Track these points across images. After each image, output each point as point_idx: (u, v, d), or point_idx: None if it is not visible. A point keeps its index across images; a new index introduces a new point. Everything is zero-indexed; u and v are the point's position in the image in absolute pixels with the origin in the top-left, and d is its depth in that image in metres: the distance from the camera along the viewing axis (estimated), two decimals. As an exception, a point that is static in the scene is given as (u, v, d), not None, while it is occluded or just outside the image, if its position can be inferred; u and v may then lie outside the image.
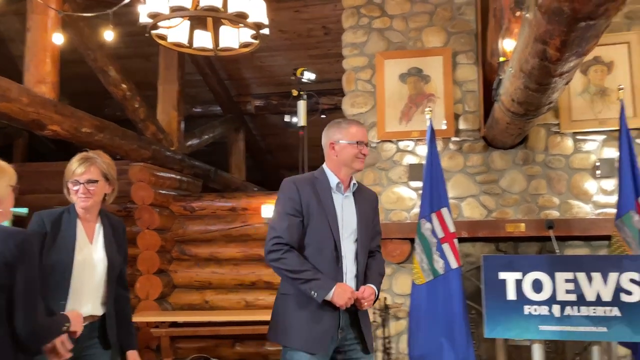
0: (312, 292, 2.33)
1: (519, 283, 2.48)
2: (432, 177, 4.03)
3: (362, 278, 2.49)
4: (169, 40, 3.10)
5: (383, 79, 4.95)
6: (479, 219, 4.61)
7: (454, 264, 3.78)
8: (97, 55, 5.57)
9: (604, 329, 2.39)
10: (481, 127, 4.73)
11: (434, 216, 3.93)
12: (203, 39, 3.11)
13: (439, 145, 4.72)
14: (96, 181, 2.41)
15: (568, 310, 2.42)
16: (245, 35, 3.19)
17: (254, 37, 3.08)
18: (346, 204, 2.55)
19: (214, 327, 5.37)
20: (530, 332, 2.45)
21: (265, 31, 3.01)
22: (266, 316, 2.53)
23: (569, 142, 4.61)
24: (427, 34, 4.96)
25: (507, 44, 3.70)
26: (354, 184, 2.60)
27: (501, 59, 3.85)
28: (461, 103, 4.84)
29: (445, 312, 3.67)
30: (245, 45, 3.18)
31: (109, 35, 3.70)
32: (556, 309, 2.42)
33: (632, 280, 2.42)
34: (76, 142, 5.01)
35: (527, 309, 2.45)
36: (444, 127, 4.76)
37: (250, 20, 2.97)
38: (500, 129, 4.16)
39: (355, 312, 2.43)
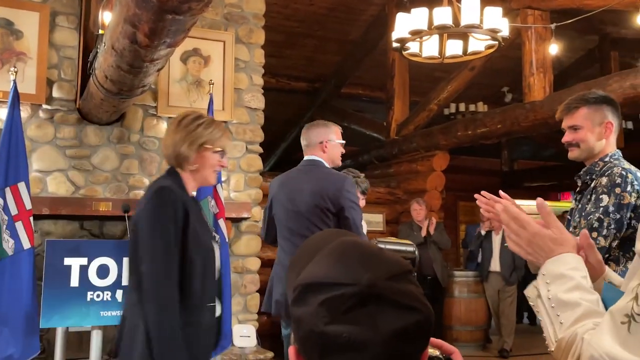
0: None
1: (84, 269, 2.39)
2: (10, 147, 3.58)
3: None
4: None
5: (-39, 22, 4.14)
6: (65, 196, 4.33)
7: (26, 244, 3.43)
8: None
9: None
10: (77, 98, 4.45)
11: (8, 191, 3.49)
12: None
13: (26, 111, 4.24)
14: None
15: (131, 295, 2.47)
16: None
17: None
18: None
19: None
20: (91, 318, 2.40)
21: None
22: None
23: (164, 126, 4.75)
24: (23, -17, 4.38)
25: (107, 17, 3.55)
26: None
27: (100, 31, 3.69)
28: (57, 69, 4.45)
29: (11, 297, 3.30)
30: None
31: None
32: (119, 294, 2.44)
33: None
34: None
35: (90, 295, 2.39)
36: (34, 91, 4.29)
37: None
38: (95, 104, 3.99)
39: None
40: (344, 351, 0.59)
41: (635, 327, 0.78)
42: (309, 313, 0.61)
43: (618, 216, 1.88)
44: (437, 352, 0.77)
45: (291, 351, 0.66)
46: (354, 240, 0.70)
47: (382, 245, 0.76)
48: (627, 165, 2.03)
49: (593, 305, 0.95)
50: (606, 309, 0.89)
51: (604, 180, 1.97)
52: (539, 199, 1.15)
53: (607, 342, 0.81)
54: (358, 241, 0.69)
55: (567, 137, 2.14)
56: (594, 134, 2.07)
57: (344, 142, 3.06)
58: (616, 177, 1.94)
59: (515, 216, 1.10)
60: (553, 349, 0.95)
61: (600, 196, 1.94)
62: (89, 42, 4.46)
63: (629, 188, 1.90)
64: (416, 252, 0.73)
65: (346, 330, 0.59)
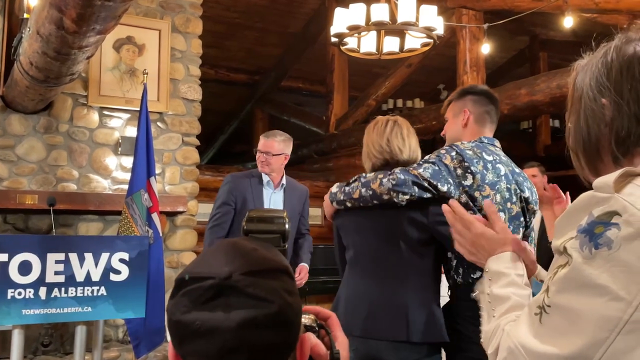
0: None
1: (4, 265, 2.27)
2: None
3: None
4: None
5: None
6: (-14, 188, 4.11)
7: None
8: None
9: (89, 309, 2.44)
10: (0, 85, 4.21)
11: None
12: None
13: (-57, 97, 3.98)
14: None
15: (55, 292, 2.36)
16: None
17: None
18: (273, 198, 3.26)
19: None
20: (12, 317, 2.28)
21: None
22: None
23: (95, 116, 4.58)
24: (-60, -40, 4.10)
25: (32, 0, 3.38)
26: (282, 183, 3.29)
27: (25, 15, 3.50)
28: (-22, 53, 4.20)
29: None
30: None
31: None
32: (43, 292, 2.33)
33: (122, 260, 2.54)
34: None
35: (10, 293, 2.27)
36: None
37: None
38: (20, 92, 3.80)
39: None
40: (197, 338, 0.64)
41: (546, 318, 0.81)
42: (172, 304, 0.67)
43: (436, 168, 1.93)
44: (312, 317, 0.81)
45: (170, 343, 0.70)
46: (235, 240, 0.74)
47: (253, 214, 0.83)
48: (468, 146, 2.05)
49: (523, 299, 0.99)
50: None
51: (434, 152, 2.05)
52: (487, 201, 1.19)
53: (522, 333, 0.85)
54: (236, 241, 0.74)
55: (443, 131, 2.27)
56: (455, 124, 2.19)
57: (258, 151, 3.24)
58: (445, 146, 2.04)
59: (461, 216, 1.13)
60: (482, 341, 0.99)
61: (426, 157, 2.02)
62: (13, 26, 4.24)
63: (452, 154, 1.97)
64: (286, 226, 0.77)
65: (199, 318, 0.64)
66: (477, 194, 1.95)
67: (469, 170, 1.94)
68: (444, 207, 1.19)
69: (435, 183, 1.91)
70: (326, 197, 2.16)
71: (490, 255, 1.09)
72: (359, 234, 2.06)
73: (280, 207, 3.26)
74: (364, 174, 2.03)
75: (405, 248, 1.96)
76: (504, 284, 1.02)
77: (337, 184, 2.13)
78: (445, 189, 1.92)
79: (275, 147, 3.22)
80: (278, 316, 0.66)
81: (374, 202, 1.96)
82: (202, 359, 0.65)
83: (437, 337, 1.92)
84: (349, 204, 2.03)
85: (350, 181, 2.05)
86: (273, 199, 3.28)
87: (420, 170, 1.92)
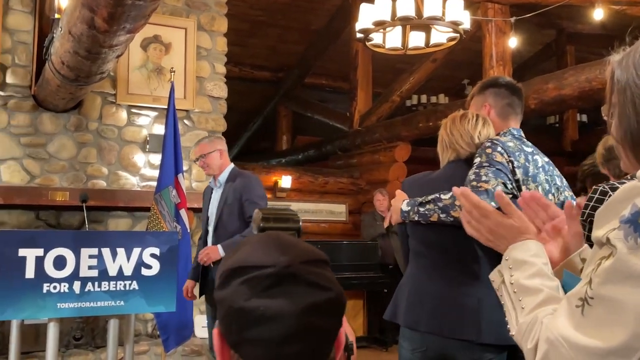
0: None
1: (40, 260, 2.33)
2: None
3: None
4: None
5: None
6: (20, 185, 4.21)
7: (-21, 236, 3.32)
8: None
9: (122, 303, 2.49)
10: (32, 84, 4.31)
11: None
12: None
13: (-22, 97, 4.08)
14: None
15: (89, 287, 2.42)
16: None
17: None
18: (215, 196, 3.35)
19: None
20: (48, 310, 2.35)
21: None
22: None
23: (123, 114, 4.65)
24: (-26, -37, 4.20)
25: (63, 1, 3.45)
26: (219, 180, 3.34)
27: (57, 15, 3.58)
28: (11, 54, 4.30)
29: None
30: None
31: None
32: (77, 286, 2.39)
33: (153, 255, 2.59)
34: None
35: (46, 287, 2.33)
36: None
37: None
38: (51, 91, 3.88)
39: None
40: (260, 324, 0.66)
41: (588, 310, 0.81)
42: (230, 292, 0.68)
43: (494, 168, 1.87)
44: None
45: (215, 333, 0.71)
46: (276, 232, 0.78)
47: (268, 214, 0.91)
48: (507, 138, 2.03)
49: (553, 291, 0.98)
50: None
51: (478, 151, 2.00)
52: (498, 190, 1.17)
53: (562, 325, 0.84)
54: (279, 233, 0.77)
55: None
56: None
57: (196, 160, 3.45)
58: (485, 143, 1.97)
59: (477, 204, 1.12)
60: (514, 333, 0.98)
61: (474, 160, 1.96)
62: (44, 26, 4.33)
63: (498, 149, 1.92)
64: (300, 223, 0.86)
65: (262, 304, 0.66)
66: (524, 187, 1.91)
67: (514, 164, 1.91)
68: (455, 190, 1.17)
69: (504, 181, 1.87)
70: (394, 201, 2.07)
71: (511, 243, 1.08)
72: (429, 227, 1.97)
73: (217, 203, 3.28)
74: (437, 195, 1.91)
75: (477, 245, 1.85)
76: (531, 274, 1.01)
77: (406, 201, 2.01)
78: (510, 186, 1.88)
79: (206, 148, 3.34)
80: (336, 302, 0.69)
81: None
82: (260, 345, 0.66)
83: (510, 340, 1.84)
84: (423, 223, 1.95)
85: (423, 201, 1.94)
86: (216, 197, 3.34)
87: (484, 179, 1.86)
